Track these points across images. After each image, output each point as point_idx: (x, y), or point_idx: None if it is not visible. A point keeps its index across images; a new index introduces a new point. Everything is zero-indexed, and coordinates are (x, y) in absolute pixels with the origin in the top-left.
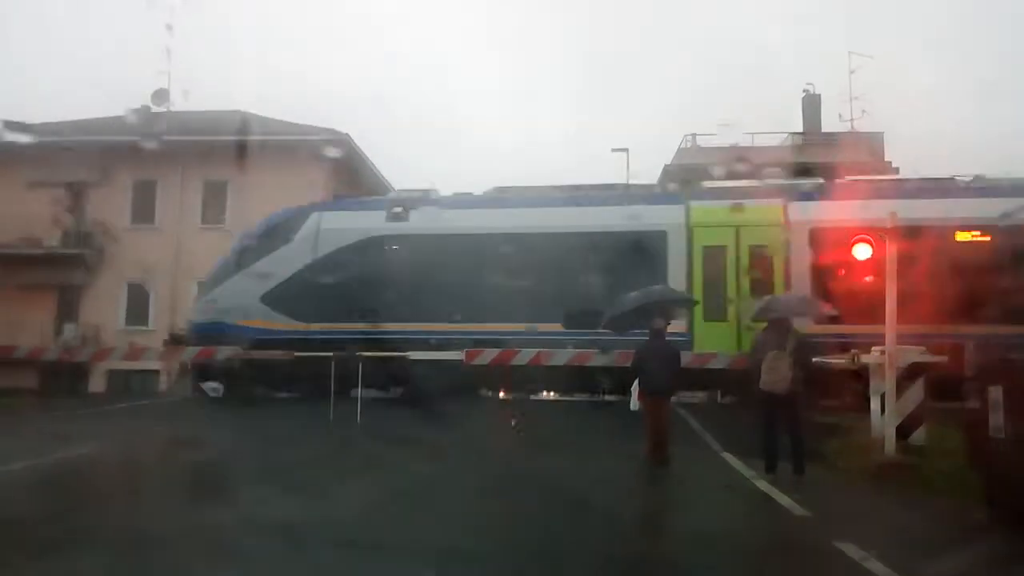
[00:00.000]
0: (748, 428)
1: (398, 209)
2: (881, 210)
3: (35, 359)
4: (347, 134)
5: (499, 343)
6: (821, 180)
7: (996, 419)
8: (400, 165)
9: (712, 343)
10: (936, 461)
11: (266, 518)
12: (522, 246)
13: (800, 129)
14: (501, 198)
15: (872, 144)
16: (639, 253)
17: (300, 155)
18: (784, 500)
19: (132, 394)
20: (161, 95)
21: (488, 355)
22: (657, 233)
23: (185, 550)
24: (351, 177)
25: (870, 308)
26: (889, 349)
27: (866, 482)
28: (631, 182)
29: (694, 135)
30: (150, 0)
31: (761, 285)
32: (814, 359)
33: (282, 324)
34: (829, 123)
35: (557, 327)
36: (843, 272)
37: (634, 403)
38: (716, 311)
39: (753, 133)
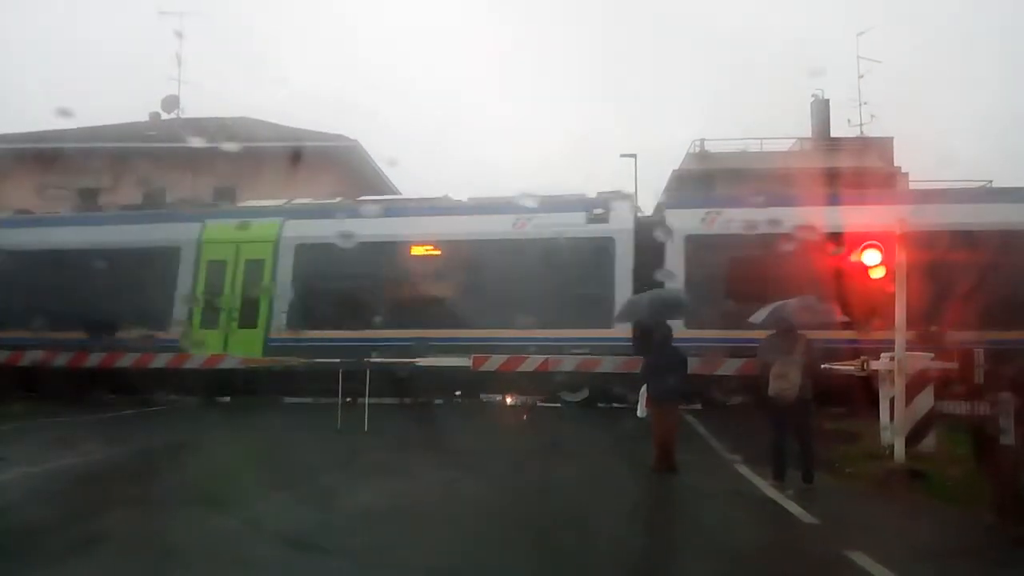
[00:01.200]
0: (756, 435)
1: None
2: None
3: (44, 365)
4: (356, 140)
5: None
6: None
7: (1006, 426)
8: (407, 172)
9: (211, 346)
10: (946, 468)
11: (265, 524)
12: (59, 261)
13: (809, 134)
14: (70, 217)
15: (881, 149)
16: (157, 267)
17: (309, 161)
18: (793, 508)
19: (138, 400)
20: (171, 101)
21: (495, 361)
22: (172, 249)
23: (189, 555)
24: (360, 183)
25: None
26: (898, 356)
27: (875, 489)
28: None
29: (702, 140)
30: (160, 8)
31: (251, 296)
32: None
33: None
34: (838, 128)
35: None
36: (326, 282)
37: (641, 410)
38: (211, 320)
39: (761, 139)
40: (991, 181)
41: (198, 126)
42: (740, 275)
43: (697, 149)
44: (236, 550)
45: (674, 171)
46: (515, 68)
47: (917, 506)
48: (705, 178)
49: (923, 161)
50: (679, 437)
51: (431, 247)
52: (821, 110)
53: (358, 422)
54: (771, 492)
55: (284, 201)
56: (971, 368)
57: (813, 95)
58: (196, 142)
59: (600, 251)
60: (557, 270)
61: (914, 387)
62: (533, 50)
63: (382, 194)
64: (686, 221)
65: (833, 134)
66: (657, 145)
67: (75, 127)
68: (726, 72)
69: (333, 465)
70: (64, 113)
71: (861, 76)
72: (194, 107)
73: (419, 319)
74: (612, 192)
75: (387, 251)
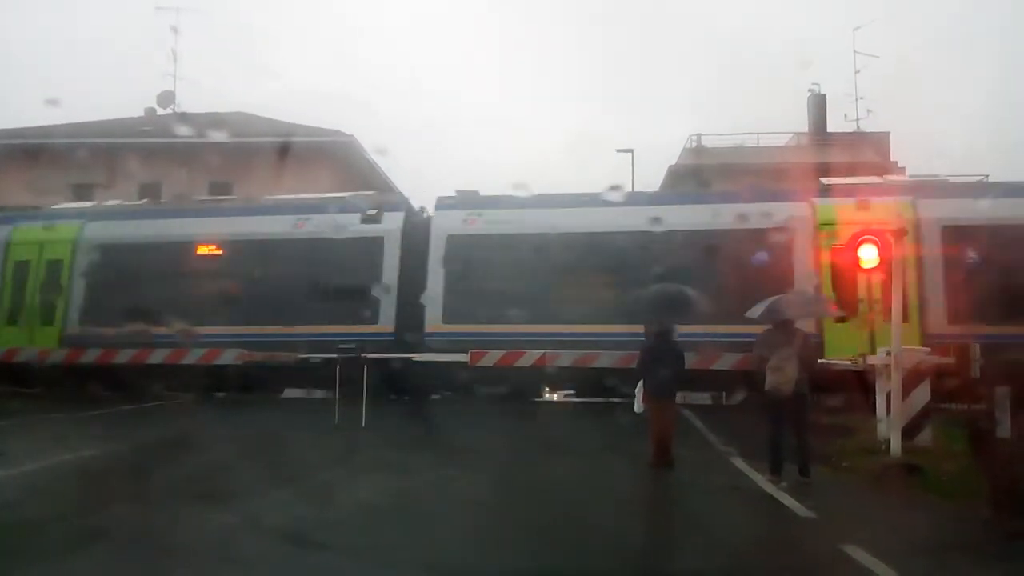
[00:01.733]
0: (753, 429)
1: None
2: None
3: (41, 362)
4: (352, 135)
5: None
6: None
7: (1002, 419)
8: (406, 170)
9: (12, 342)
10: (942, 463)
11: (263, 519)
12: None
13: (805, 129)
14: None
15: (878, 144)
16: None
17: (305, 156)
18: (789, 502)
19: (135, 397)
20: (167, 97)
21: (493, 356)
22: None
23: (187, 551)
24: (356, 178)
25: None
26: (895, 350)
27: (871, 484)
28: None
29: (699, 135)
30: (157, 4)
31: (51, 294)
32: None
33: None
34: (835, 123)
35: None
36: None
37: (638, 405)
38: (15, 316)
39: (758, 134)
40: (987, 175)
41: (194, 122)
42: (494, 272)
43: (694, 144)
44: (235, 546)
45: (670, 167)
46: (515, 65)
47: (913, 500)
48: (700, 173)
49: (919, 156)
50: (676, 432)
51: (215, 247)
52: (818, 105)
53: (356, 418)
54: (768, 486)
55: (91, 204)
56: (967, 363)
57: (810, 90)
58: (191, 137)
59: (371, 250)
60: (331, 268)
61: (910, 382)
62: (532, 47)
63: (378, 189)
64: (449, 222)
65: (830, 129)
66: (655, 141)
67: (69, 122)
68: (725, 69)
69: (332, 461)
70: (52, 103)
71: (858, 71)
72: (190, 103)
73: (202, 316)
74: (388, 194)
75: (175, 251)
